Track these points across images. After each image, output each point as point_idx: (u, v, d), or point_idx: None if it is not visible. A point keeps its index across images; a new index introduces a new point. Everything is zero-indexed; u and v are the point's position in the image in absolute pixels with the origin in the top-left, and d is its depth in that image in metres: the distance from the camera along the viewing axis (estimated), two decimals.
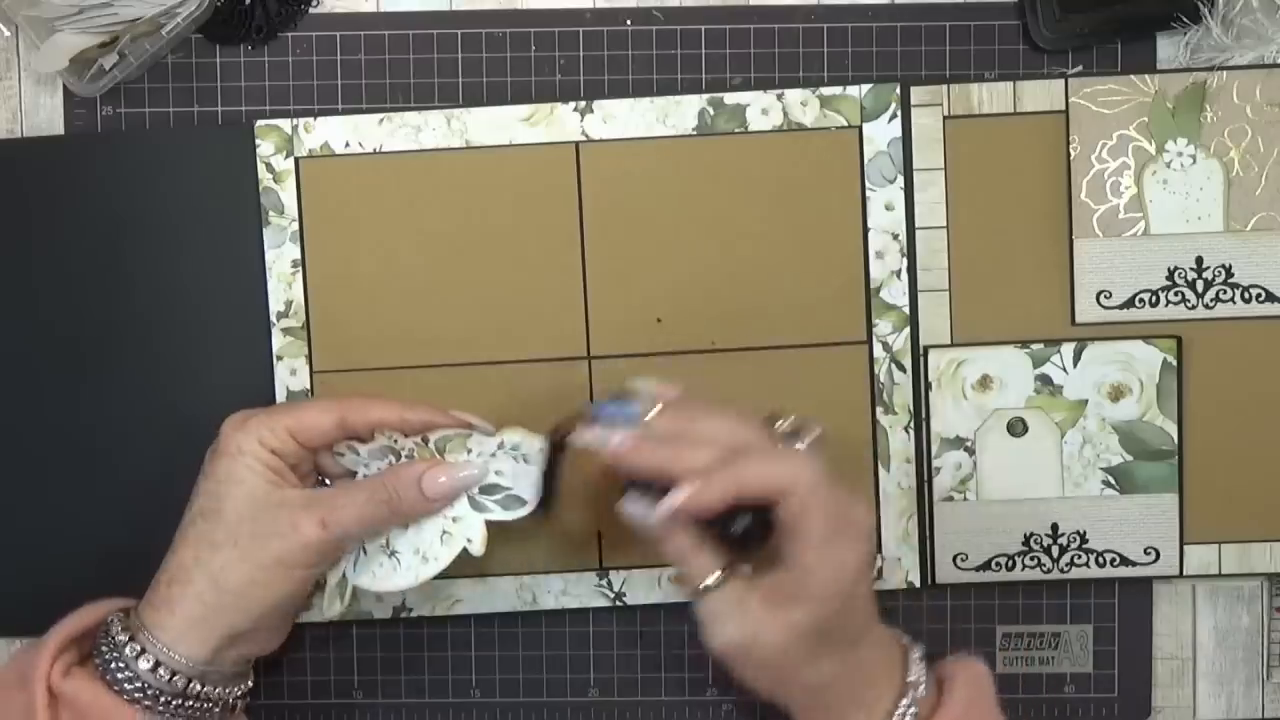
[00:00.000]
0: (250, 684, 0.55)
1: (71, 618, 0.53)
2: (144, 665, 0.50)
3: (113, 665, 0.51)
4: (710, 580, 0.50)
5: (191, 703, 0.51)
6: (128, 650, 0.51)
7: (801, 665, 0.51)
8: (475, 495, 0.53)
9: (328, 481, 0.55)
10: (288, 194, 0.60)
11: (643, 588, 0.61)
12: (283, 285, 0.60)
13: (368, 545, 0.54)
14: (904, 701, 0.52)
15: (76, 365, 0.60)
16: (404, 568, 0.53)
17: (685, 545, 0.51)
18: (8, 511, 0.61)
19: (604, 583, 0.61)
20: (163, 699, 0.50)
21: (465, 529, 0.53)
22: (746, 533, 0.50)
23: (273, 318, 0.60)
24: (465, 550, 0.53)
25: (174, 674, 0.51)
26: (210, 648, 0.51)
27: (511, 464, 0.53)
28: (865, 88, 0.60)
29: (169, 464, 0.60)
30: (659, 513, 0.49)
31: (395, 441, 0.53)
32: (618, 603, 0.61)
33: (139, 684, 0.50)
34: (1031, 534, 0.61)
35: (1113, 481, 0.61)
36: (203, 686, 0.51)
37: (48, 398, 0.61)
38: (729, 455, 0.49)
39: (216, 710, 0.53)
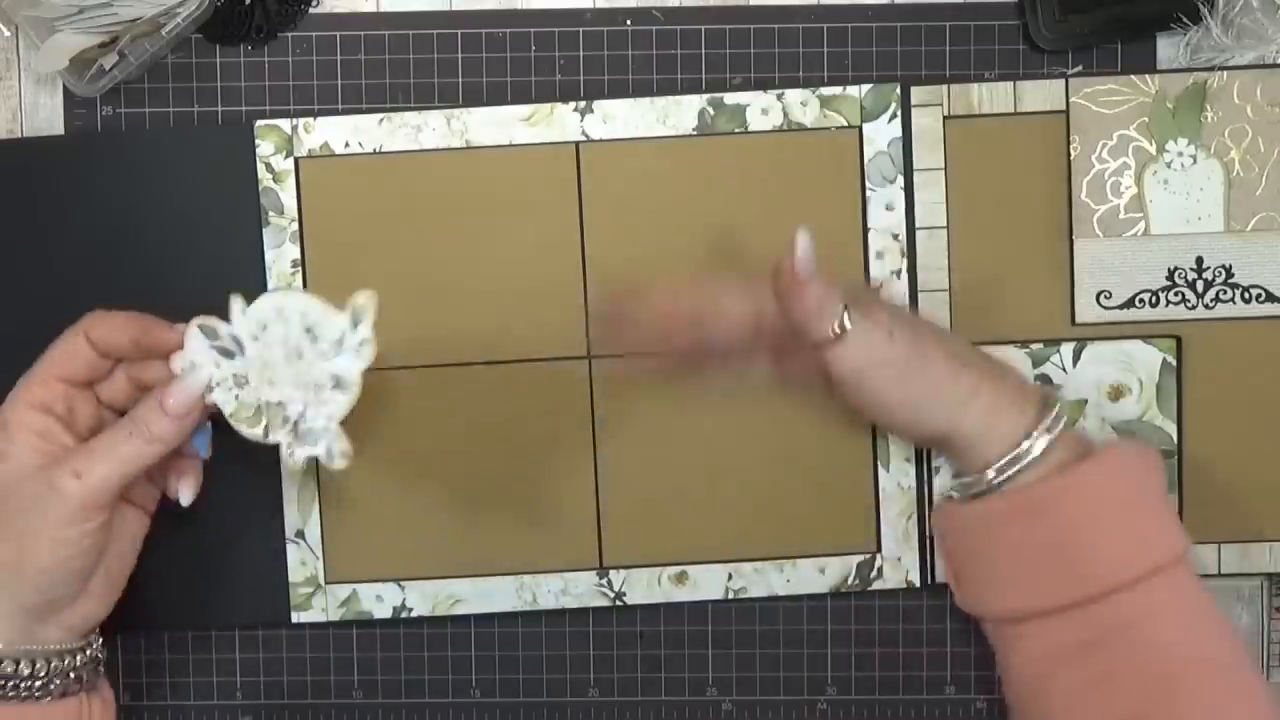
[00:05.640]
0: (93, 653, 0.53)
1: None
2: None
3: None
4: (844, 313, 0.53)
5: (16, 683, 0.50)
6: None
7: (910, 362, 0.53)
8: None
9: None
10: (288, 194, 0.60)
11: (643, 588, 0.61)
12: (282, 285, 0.60)
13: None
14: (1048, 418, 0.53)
15: None
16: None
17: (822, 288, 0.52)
18: None
19: (604, 583, 0.61)
20: None
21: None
22: None
23: None
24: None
25: None
26: (12, 627, 0.50)
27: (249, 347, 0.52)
28: (865, 88, 0.60)
29: None
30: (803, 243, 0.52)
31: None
32: (618, 603, 0.61)
33: None
34: None
35: None
36: (18, 665, 0.50)
37: None
38: None
39: (56, 683, 0.51)
